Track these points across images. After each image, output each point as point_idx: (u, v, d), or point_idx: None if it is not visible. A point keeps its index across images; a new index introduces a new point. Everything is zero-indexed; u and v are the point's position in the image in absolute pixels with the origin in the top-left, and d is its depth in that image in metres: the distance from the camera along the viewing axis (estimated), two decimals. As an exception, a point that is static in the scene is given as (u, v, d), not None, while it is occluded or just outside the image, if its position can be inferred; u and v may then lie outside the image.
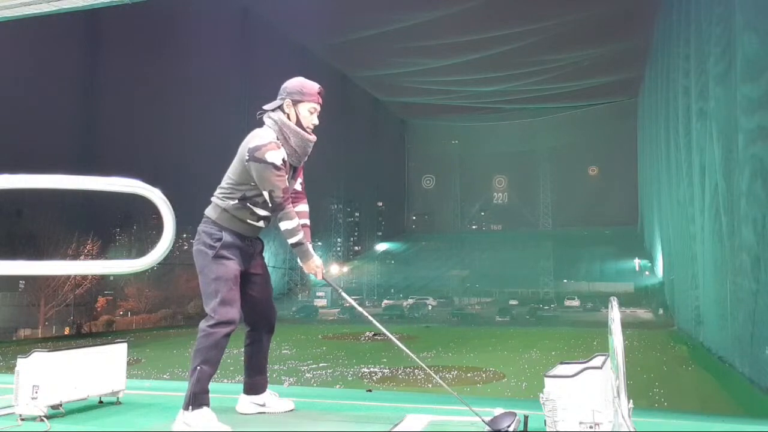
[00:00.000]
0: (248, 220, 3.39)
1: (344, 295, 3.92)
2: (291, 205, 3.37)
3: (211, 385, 3.26)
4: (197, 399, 3.15)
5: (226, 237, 3.33)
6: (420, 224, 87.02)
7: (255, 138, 3.31)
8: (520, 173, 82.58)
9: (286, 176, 3.32)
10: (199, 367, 3.18)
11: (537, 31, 45.92)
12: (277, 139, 3.33)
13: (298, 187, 3.59)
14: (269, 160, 3.22)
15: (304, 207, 3.61)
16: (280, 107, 3.41)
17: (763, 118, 11.99)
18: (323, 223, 64.35)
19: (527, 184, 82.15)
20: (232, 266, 3.32)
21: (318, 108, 3.47)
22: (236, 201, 3.35)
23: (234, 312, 3.28)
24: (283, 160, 3.31)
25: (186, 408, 3.15)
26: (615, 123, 69.53)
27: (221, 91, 43.46)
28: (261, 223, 3.44)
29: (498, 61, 51.90)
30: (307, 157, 3.51)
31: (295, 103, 3.40)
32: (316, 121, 3.47)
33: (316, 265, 3.46)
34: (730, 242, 15.14)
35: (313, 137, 3.46)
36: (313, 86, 3.46)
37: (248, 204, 3.35)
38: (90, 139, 39.87)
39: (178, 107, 40.85)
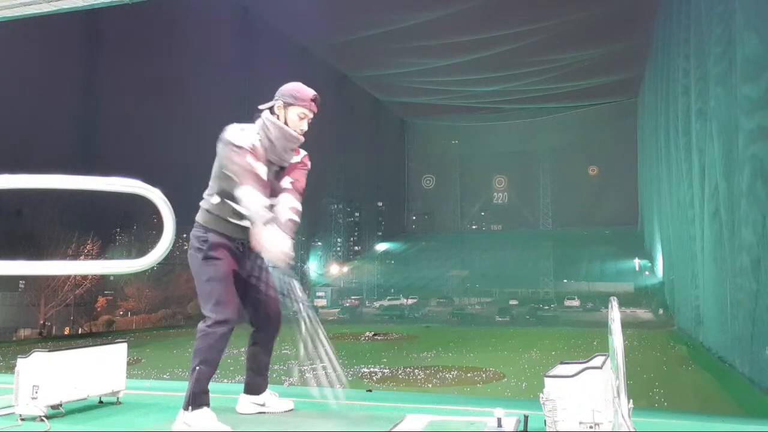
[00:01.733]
0: (230, 219, 3.35)
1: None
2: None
3: (211, 385, 3.27)
4: (197, 399, 3.15)
5: (213, 237, 3.33)
6: (420, 224, 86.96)
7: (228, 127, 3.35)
8: (520, 173, 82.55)
9: (253, 159, 3.23)
10: (198, 368, 3.19)
11: (537, 31, 45.92)
12: (257, 133, 3.35)
13: (286, 185, 3.49)
14: (227, 136, 3.24)
15: (291, 200, 3.46)
16: (272, 108, 3.44)
17: (763, 118, 11.98)
18: (323, 223, 64.33)
19: (527, 184, 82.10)
20: (222, 266, 3.31)
21: (309, 114, 3.46)
22: (216, 197, 3.35)
23: (230, 311, 3.27)
24: (253, 146, 3.27)
25: (186, 408, 3.15)
26: (615, 123, 69.52)
27: (221, 91, 43.47)
28: (245, 223, 3.34)
29: (498, 61, 51.89)
30: (292, 157, 3.48)
31: (287, 105, 3.41)
32: (305, 127, 3.46)
33: (281, 250, 3.21)
34: (730, 242, 15.14)
35: (296, 135, 3.42)
36: (308, 92, 3.46)
37: (227, 200, 3.32)
38: (90, 139, 39.89)
39: (177, 107, 40.84)
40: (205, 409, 3.17)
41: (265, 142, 3.35)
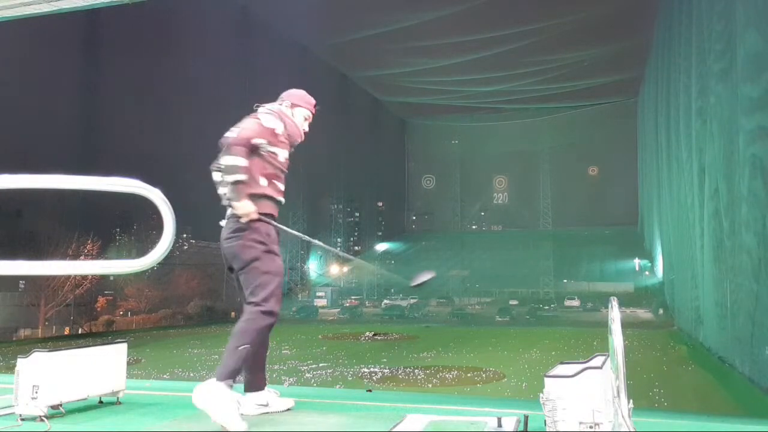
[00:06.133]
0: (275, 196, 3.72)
1: (305, 237, 4.23)
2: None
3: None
4: (233, 375, 3.30)
5: (272, 231, 3.59)
6: (420, 224, 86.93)
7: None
8: (520, 173, 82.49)
9: (264, 139, 3.49)
10: (245, 347, 3.32)
11: (537, 31, 45.92)
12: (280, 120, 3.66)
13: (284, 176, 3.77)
14: (260, 114, 3.61)
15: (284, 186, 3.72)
16: (279, 105, 3.78)
17: (763, 118, 11.96)
18: (323, 223, 64.30)
19: (527, 184, 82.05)
20: (279, 261, 3.64)
21: (310, 118, 3.85)
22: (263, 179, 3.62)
23: (278, 306, 3.53)
24: (274, 131, 3.55)
25: (221, 380, 3.23)
26: (615, 123, 69.48)
27: (221, 91, 43.45)
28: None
29: (498, 61, 51.88)
30: (292, 150, 3.76)
31: (294, 106, 3.79)
32: (306, 128, 3.84)
33: (250, 208, 3.43)
34: (731, 242, 15.12)
35: (301, 132, 3.79)
36: (311, 98, 3.88)
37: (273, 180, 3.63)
38: (90, 139, 39.84)
39: (178, 107, 40.85)
40: (231, 390, 3.28)
41: (285, 130, 3.66)
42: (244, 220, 3.41)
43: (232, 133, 3.42)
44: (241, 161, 3.34)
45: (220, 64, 44.56)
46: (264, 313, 3.34)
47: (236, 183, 3.34)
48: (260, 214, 3.45)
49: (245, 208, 3.38)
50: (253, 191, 3.43)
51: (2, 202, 29.95)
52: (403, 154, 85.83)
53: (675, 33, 26.60)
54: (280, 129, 3.58)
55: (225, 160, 3.36)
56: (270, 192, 3.53)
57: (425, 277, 3.88)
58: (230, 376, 3.22)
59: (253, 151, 3.45)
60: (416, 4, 42.96)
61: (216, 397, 3.15)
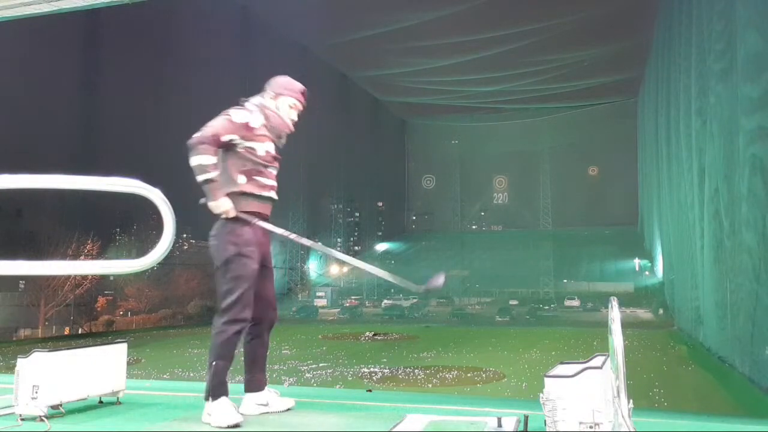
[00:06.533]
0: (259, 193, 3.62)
1: (302, 240, 3.96)
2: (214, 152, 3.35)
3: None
4: (216, 390, 3.28)
5: (246, 233, 3.48)
6: (420, 224, 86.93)
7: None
8: (520, 173, 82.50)
9: (236, 134, 3.38)
10: (215, 363, 3.33)
11: (537, 31, 45.93)
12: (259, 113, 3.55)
13: (272, 170, 3.63)
14: (230, 110, 3.47)
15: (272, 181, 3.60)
16: (261, 98, 3.65)
17: (763, 118, 11.96)
18: (323, 223, 64.31)
19: (527, 184, 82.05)
20: (251, 264, 3.52)
21: (299, 106, 3.66)
22: (242, 176, 3.52)
23: (247, 312, 3.45)
24: (248, 125, 3.42)
25: (207, 399, 3.28)
26: (615, 123, 69.52)
27: (221, 91, 43.38)
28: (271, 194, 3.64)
29: (498, 61, 51.88)
30: (281, 142, 3.64)
31: (278, 96, 3.61)
32: (294, 117, 3.66)
33: (227, 206, 3.37)
34: (731, 242, 15.12)
35: (287, 122, 3.62)
36: (297, 84, 3.68)
37: (254, 177, 3.53)
38: (90, 139, 39.82)
39: (177, 107, 40.78)
40: (224, 398, 3.28)
41: (267, 124, 3.53)
42: (223, 217, 3.39)
43: (198, 133, 3.35)
44: (208, 159, 3.28)
45: (220, 64, 44.52)
46: (227, 323, 3.32)
47: (206, 182, 3.30)
48: (244, 212, 3.40)
49: (220, 206, 3.34)
50: (231, 190, 3.38)
51: (2, 202, 29.93)
52: (403, 154, 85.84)
53: (675, 33, 26.59)
54: (256, 122, 3.46)
55: (192, 161, 3.29)
56: (250, 189, 3.44)
57: (437, 281, 3.44)
58: (212, 393, 3.26)
59: (227, 148, 3.40)
60: (416, 4, 42.95)
61: (210, 411, 3.24)
